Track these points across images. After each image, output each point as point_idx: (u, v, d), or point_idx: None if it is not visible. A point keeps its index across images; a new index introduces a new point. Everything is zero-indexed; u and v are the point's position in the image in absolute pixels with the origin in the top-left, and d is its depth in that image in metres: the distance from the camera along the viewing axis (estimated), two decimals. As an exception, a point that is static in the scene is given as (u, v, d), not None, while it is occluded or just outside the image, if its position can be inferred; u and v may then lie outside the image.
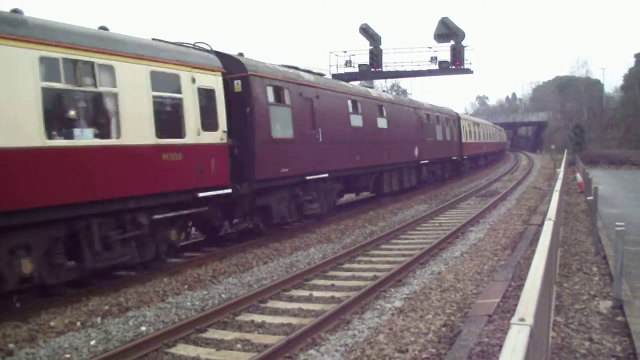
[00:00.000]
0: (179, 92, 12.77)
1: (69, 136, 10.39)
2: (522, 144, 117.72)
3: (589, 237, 14.92)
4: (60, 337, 8.71)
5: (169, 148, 12.39)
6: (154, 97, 12.03)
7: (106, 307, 10.09)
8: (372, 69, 34.37)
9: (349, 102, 21.49)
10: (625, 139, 66.46)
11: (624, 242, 9.29)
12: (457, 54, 32.19)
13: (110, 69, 11.03)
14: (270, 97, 16.27)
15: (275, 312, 10.02)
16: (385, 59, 34.35)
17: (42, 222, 9.85)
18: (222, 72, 14.28)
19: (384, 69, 34.76)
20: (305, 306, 10.19)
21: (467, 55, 32.55)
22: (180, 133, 12.76)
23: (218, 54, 14.71)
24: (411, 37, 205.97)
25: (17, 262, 9.44)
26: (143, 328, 9.21)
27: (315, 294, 11.04)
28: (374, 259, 14.11)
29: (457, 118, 39.17)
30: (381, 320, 9.16)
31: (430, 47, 33.08)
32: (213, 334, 8.93)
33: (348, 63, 34.34)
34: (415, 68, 34.09)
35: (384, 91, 42.81)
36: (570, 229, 16.68)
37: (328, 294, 10.94)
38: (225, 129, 14.04)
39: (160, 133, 12.08)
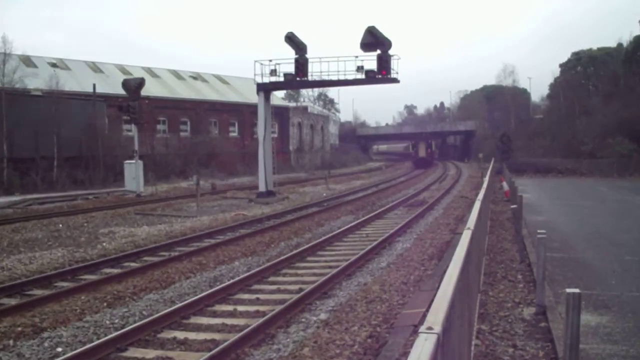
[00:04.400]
0: None
1: None
2: (451, 153, 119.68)
3: (515, 245, 15.16)
4: (-33, 362, 8.21)
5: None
6: None
7: (19, 329, 9.57)
8: (298, 78, 34.11)
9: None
10: (552, 147, 68.34)
11: (545, 250, 9.41)
12: (384, 63, 32.11)
13: None
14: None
15: (198, 328, 9.77)
16: (311, 68, 34.01)
17: None
18: None
19: (310, 78, 34.51)
20: (229, 321, 9.99)
21: (394, 64, 32.47)
22: None
23: None
24: (338, 46, 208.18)
25: None
26: (59, 349, 8.78)
27: (240, 308, 10.82)
28: (299, 272, 13.95)
29: None
30: (306, 333, 9.06)
31: (357, 57, 32.91)
32: (134, 352, 8.60)
33: (273, 72, 33.96)
34: (342, 77, 33.92)
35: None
36: (496, 237, 16.94)
37: (252, 308, 10.73)
38: None
39: None
